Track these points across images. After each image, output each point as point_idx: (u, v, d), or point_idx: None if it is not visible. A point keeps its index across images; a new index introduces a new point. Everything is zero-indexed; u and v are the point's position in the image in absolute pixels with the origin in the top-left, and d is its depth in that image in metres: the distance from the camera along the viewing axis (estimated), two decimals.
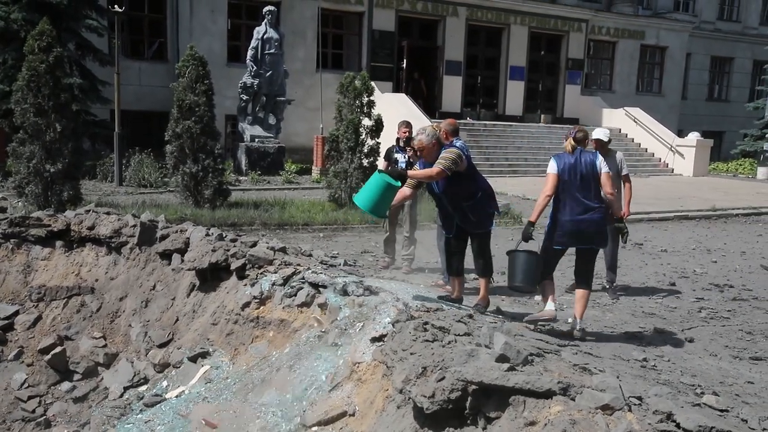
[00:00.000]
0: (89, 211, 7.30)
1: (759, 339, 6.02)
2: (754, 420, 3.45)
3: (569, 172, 5.45)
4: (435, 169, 5.21)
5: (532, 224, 5.56)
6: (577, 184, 5.42)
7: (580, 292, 5.59)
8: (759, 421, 3.48)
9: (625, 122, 23.79)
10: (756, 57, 30.91)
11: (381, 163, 8.56)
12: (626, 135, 23.83)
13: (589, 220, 5.41)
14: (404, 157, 7.86)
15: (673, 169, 22.24)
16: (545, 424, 2.64)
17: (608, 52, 27.27)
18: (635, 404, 2.89)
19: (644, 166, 21.83)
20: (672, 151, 22.35)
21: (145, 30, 20.27)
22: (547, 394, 2.81)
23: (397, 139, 8.01)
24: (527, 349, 3.57)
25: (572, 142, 5.61)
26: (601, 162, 5.53)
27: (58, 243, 7.05)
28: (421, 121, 17.89)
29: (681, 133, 24.28)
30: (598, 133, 7.22)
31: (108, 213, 7.22)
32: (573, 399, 2.78)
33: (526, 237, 5.54)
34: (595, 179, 5.46)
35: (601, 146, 7.13)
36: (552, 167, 5.54)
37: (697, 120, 28.76)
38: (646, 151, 23.18)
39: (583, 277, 5.64)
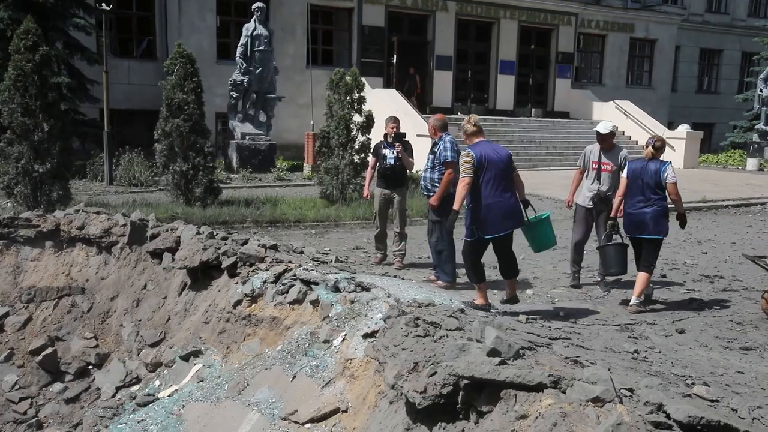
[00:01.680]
0: (79, 210, 7.27)
1: (749, 329, 6.06)
2: (744, 409, 3.48)
3: (636, 176, 6.48)
4: (461, 181, 5.70)
5: (613, 219, 6.75)
6: (641, 185, 6.42)
7: (639, 274, 6.50)
8: (749, 411, 3.50)
9: (615, 115, 23.82)
10: (744, 49, 31.07)
11: (370, 159, 8.54)
12: (617, 128, 23.90)
13: (643, 212, 6.38)
14: (393, 153, 7.85)
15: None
16: (536, 417, 2.65)
17: (598, 45, 27.33)
18: (626, 396, 2.90)
19: (635, 159, 21.90)
20: None
21: (133, 28, 20.13)
22: (538, 388, 2.82)
23: (385, 135, 7.99)
24: (518, 342, 3.58)
25: (652, 150, 6.52)
26: (668, 170, 6.39)
27: (48, 243, 7.01)
28: (411, 117, 17.89)
29: (671, 126, 24.37)
30: (598, 126, 7.27)
31: (98, 212, 7.18)
32: (564, 392, 2.79)
33: (611, 227, 6.73)
34: (657, 184, 6.38)
35: (602, 140, 7.16)
36: (624, 172, 6.67)
37: (687, 112, 28.88)
38: (637, 143, 23.24)
39: (644, 263, 6.49)
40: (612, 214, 6.76)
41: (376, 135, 12.24)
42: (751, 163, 22.89)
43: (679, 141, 22.13)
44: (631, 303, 6.42)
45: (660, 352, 5.19)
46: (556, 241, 6.48)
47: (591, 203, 7.20)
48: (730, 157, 25.18)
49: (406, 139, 8.09)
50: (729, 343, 5.63)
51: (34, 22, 10.76)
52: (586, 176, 7.35)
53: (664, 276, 8.06)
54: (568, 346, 4.57)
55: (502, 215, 5.72)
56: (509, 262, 5.97)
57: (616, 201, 6.72)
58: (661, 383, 3.46)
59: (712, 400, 3.55)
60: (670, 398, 2.80)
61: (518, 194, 5.98)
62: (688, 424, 2.48)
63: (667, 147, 6.83)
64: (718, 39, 31.16)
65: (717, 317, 6.43)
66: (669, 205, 6.48)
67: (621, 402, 2.70)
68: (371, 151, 8.41)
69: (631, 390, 2.99)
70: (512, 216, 5.80)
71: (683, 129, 22.62)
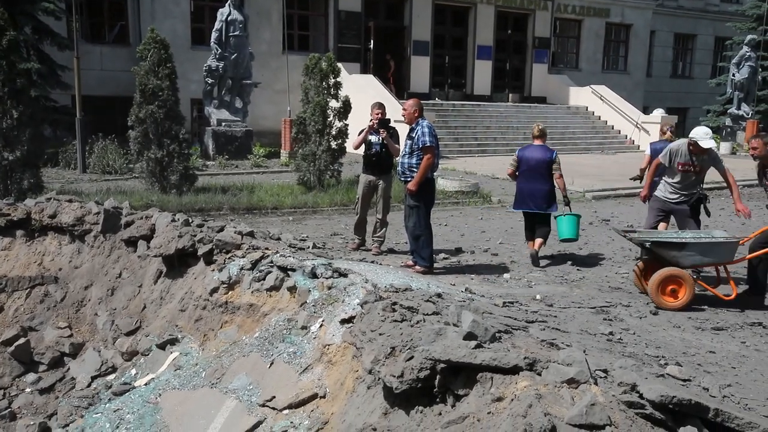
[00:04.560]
0: (50, 199, 7.13)
1: (720, 309, 6.17)
2: (714, 388, 3.55)
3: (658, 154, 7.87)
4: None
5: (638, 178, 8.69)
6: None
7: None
8: (719, 389, 3.57)
9: (591, 100, 24.03)
10: (718, 34, 31.43)
11: (349, 143, 8.46)
12: (593, 113, 24.08)
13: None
14: (378, 139, 7.80)
15: (639, 146, 22.54)
16: (512, 400, 2.67)
17: (574, 30, 27.44)
18: (601, 377, 2.94)
19: (611, 143, 22.10)
20: (637, 127, 22.65)
21: (105, 13, 19.76)
22: (514, 370, 2.84)
23: (371, 121, 7.91)
24: (495, 326, 3.60)
25: (670, 135, 8.45)
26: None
27: (19, 232, 6.87)
28: (389, 102, 17.83)
29: (646, 110, 24.61)
30: (702, 140, 6.98)
31: (70, 201, 7.04)
32: (539, 374, 2.81)
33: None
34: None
35: (700, 150, 6.95)
36: (647, 151, 8.36)
37: (661, 97, 29.19)
38: (613, 128, 23.48)
39: None
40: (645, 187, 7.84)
41: (354, 121, 12.19)
42: (725, 146, 23.21)
43: (654, 125, 22.33)
44: None
45: (634, 333, 5.26)
46: (577, 237, 7.84)
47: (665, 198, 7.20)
48: None
49: (392, 125, 8.05)
50: (701, 323, 5.74)
51: (0, 6, 10.49)
52: (668, 174, 7.14)
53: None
54: (544, 329, 4.62)
55: (522, 197, 7.74)
56: (539, 230, 7.72)
57: (646, 177, 7.84)
58: (635, 364, 3.51)
59: (684, 380, 3.62)
60: (643, 379, 2.84)
61: (561, 190, 7.67)
62: (661, 403, 2.51)
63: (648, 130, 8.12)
64: (691, 24, 31.47)
65: None
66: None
67: (595, 383, 2.73)
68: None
69: (605, 371, 3.02)
70: (529, 200, 7.65)
71: (658, 113, 22.82)
